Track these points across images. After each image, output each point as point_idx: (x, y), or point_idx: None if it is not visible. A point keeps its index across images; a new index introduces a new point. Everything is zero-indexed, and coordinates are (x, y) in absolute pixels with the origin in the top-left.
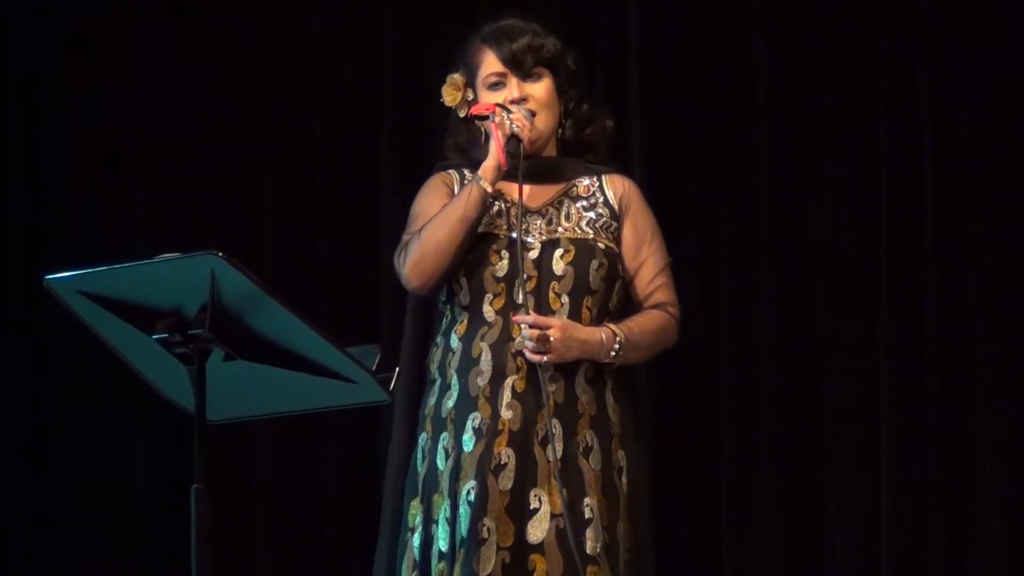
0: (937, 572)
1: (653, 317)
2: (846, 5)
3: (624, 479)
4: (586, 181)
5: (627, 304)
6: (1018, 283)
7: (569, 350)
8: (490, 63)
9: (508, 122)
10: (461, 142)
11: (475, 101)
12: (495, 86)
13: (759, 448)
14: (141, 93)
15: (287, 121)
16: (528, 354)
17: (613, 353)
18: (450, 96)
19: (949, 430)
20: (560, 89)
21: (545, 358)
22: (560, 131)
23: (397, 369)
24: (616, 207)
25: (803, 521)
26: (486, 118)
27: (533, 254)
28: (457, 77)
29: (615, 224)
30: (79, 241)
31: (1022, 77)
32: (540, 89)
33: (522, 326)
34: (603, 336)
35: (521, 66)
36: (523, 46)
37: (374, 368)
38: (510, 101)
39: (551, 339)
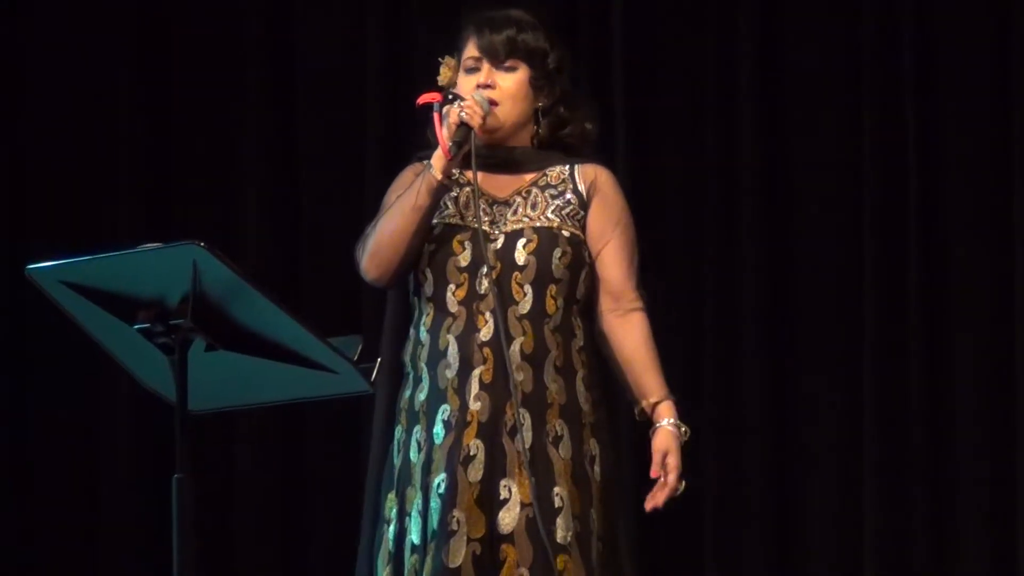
0: (921, 564)
1: (643, 333)
2: None
3: (597, 468)
4: (558, 169)
5: (594, 291)
6: (1000, 289)
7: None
8: (470, 48)
9: (457, 109)
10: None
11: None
12: (470, 70)
13: (741, 441)
14: (124, 86)
15: (270, 113)
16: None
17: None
18: (444, 76)
19: (932, 427)
20: (535, 85)
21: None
22: (536, 128)
23: (379, 359)
24: (584, 194)
25: (786, 513)
26: (431, 107)
27: (496, 244)
28: (452, 60)
29: (583, 212)
30: (61, 231)
31: (1004, 74)
32: (510, 80)
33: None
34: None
35: (496, 55)
36: (502, 37)
37: (355, 358)
38: (477, 86)
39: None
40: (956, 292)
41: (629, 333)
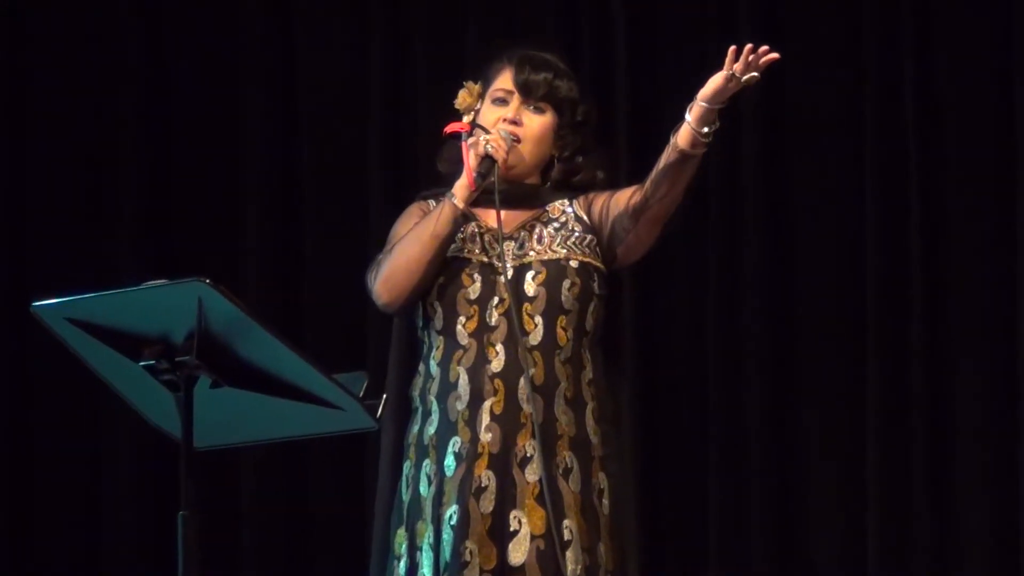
0: (924, 562)
1: None
2: (832, 14)
3: (605, 501)
4: (557, 203)
5: (606, 323)
6: (1001, 299)
7: None
8: (504, 79)
9: (483, 142)
10: (454, 153)
11: (480, 111)
12: (498, 102)
13: (745, 466)
14: (127, 119)
15: (273, 147)
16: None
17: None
18: (461, 99)
19: (935, 434)
20: (558, 131)
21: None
22: (549, 171)
23: (384, 396)
24: (585, 217)
25: (791, 541)
26: (460, 136)
27: (504, 277)
28: (474, 86)
29: (589, 236)
30: (66, 268)
31: (1005, 81)
32: (537, 121)
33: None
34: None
35: (529, 93)
36: (540, 78)
37: (361, 395)
38: (503, 119)
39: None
40: (958, 301)
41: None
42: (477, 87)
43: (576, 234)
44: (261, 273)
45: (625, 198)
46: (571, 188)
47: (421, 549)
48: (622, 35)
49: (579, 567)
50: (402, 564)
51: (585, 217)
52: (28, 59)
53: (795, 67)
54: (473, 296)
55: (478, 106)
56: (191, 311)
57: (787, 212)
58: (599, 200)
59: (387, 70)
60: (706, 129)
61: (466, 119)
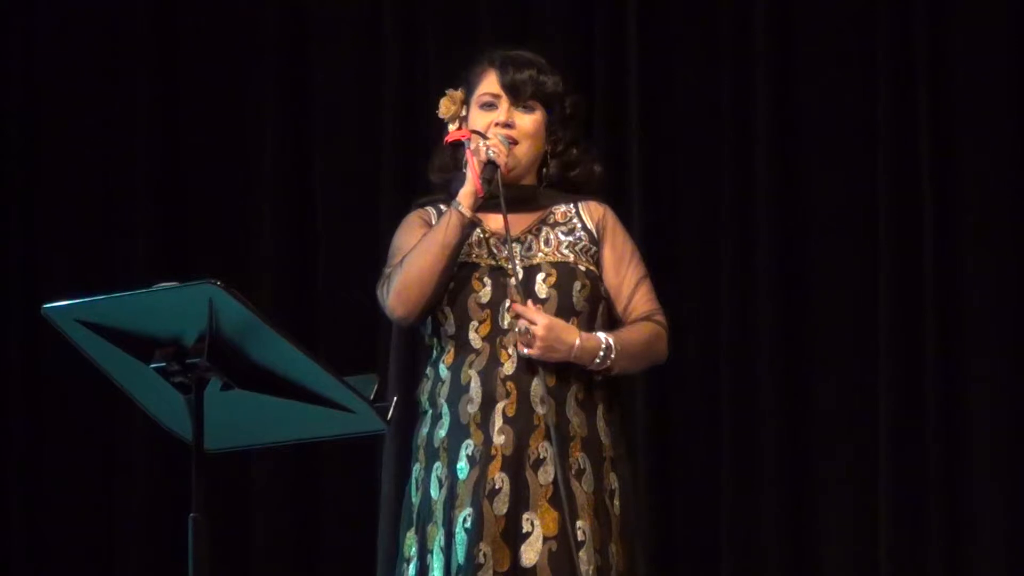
0: (937, 551)
1: (642, 327)
2: (845, 27)
3: (616, 502)
4: (563, 208)
5: (613, 325)
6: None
7: (554, 351)
8: (489, 83)
9: (484, 148)
10: (445, 162)
11: (466, 118)
12: (486, 106)
13: (757, 468)
14: (141, 124)
15: (286, 152)
16: (518, 344)
17: (599, 360)
18: (444, 108)
19: (949, 444)
20: (549, 127)
21: (527, 351)
22: (544, 169)
23: (395, 399)
24: (594, 231)
25: (802, 542)
26: (462, 144)
27: (514, 280)
28: (456, 93)
29: (594, 248)
30: (78, 269)
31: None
32: (528, 120)
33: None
34: (591, 342)
35: (517, 94)
36: (525, 76)
37: (372, 397)
38: (496, 123)
39: (535, 335)
40: (971, 308)
41: (635, 324)
42: (459, 94)
43: (583, 243)
44: (273, 275)
45: (623, 299)
46: (569, 184)
47: (432, 552)
48: (634, 51)
49: (591, 568)
50: (412, 567)
51: (592, 229)
52: (40, 63)
53: (807, 74)
54: (484, 300)
55: (463, 113)
56: (202, 313)
57: (798, 216)
58: (611, 257)
59: (400, 77)
60: (596, 361)
61: (452, 127)
